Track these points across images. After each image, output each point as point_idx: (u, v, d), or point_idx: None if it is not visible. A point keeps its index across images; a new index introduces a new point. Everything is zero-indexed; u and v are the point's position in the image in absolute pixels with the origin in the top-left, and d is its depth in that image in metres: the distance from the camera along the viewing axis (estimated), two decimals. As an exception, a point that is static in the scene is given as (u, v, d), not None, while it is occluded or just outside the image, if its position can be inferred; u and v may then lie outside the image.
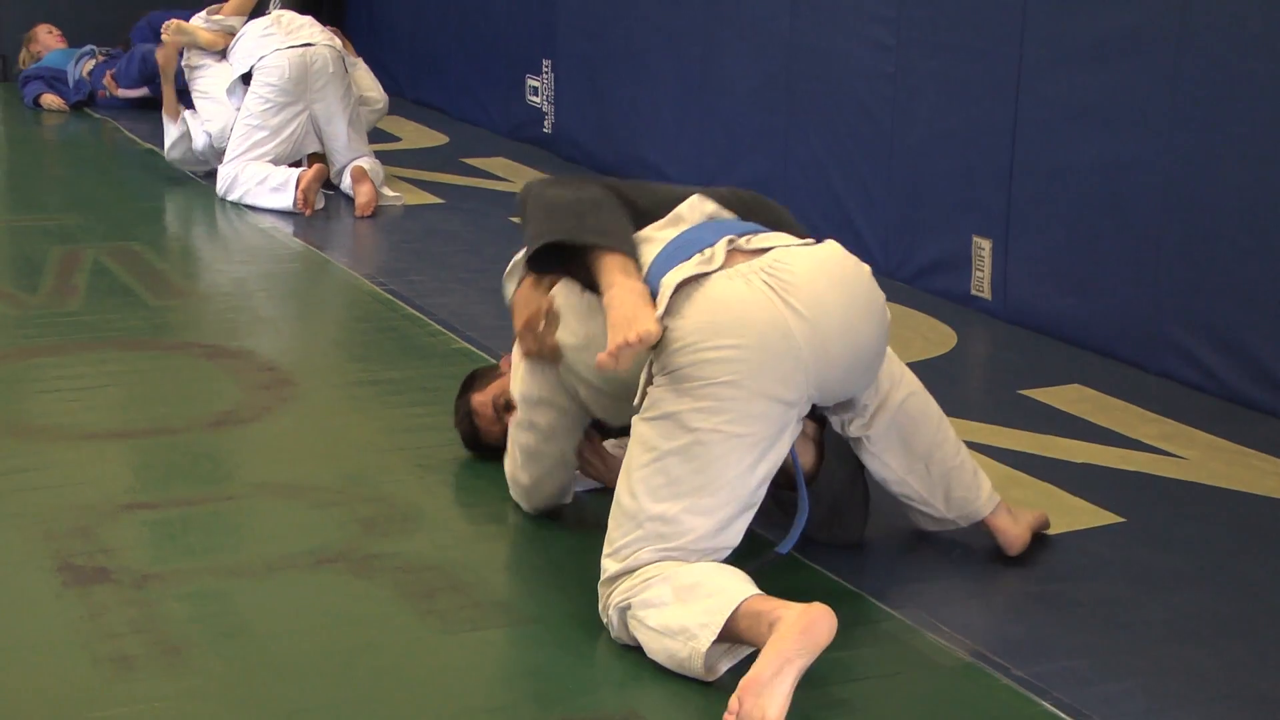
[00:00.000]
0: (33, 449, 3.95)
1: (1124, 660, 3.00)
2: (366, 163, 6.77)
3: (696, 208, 3.23)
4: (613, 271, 3.04)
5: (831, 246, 3.15)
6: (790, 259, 3.05)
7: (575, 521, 3.56)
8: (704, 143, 6.62)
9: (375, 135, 7.45)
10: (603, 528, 3.09)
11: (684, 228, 3.17)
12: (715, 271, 3.01)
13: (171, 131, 7.09)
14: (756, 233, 3.15)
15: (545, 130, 7.91)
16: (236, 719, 2.73)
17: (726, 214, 3.25)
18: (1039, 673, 2.93)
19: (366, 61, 7.44)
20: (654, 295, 3.01)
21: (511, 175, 7.36)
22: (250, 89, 6.67)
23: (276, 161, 6.68)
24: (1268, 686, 2.92)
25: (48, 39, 9.29)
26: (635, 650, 2.95)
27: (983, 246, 5.23)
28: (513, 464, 3.53)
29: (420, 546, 3.40)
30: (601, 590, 3.01)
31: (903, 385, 3.35)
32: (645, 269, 3.08)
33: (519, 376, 3.43)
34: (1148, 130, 4.60)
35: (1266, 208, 4.31)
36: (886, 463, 3.35)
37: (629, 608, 2.93)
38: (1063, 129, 4.89)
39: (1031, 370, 4.72)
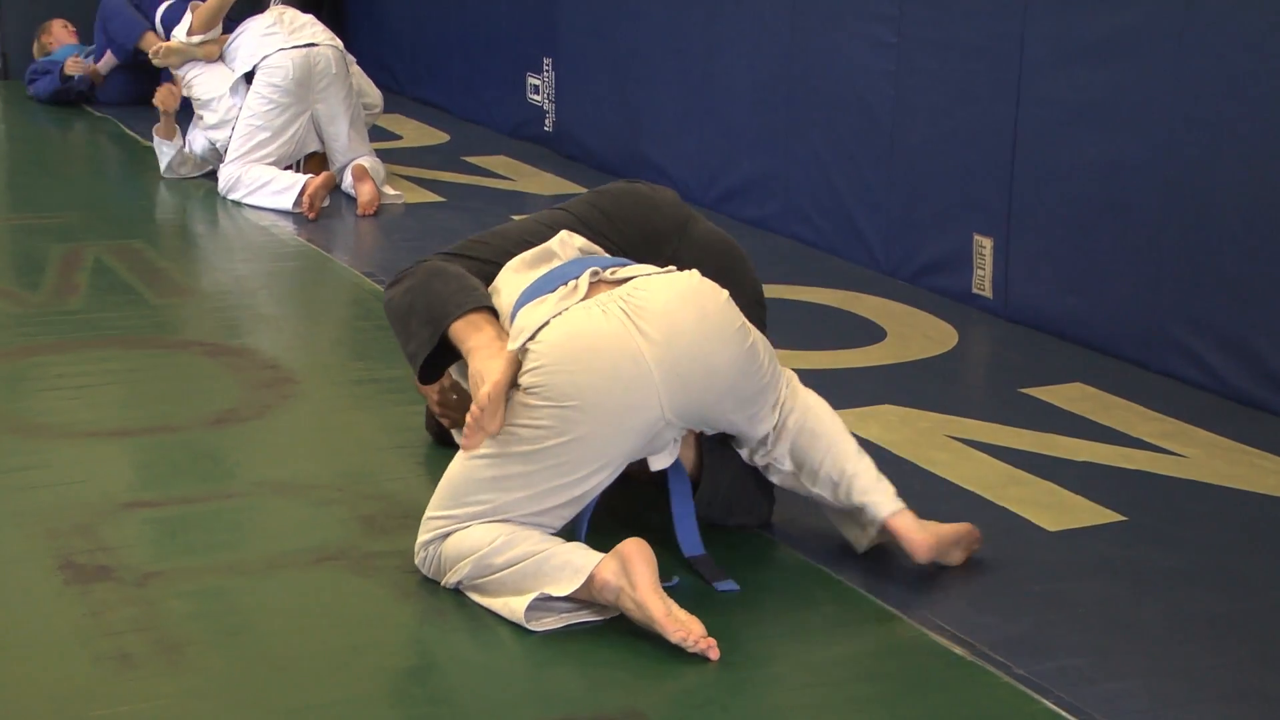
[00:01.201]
0: (34, 447, 3.95)
1: (1125, 659, 3.00)
2: (368, 161, 6.77)
3: (567, 244, 3.38)
4: (465, 339, 3.21)
5: (690, 275, 3.27)
6: (647, 286, 3.20)
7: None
8: (705, 141, 6.62)
9: (376, 133, 7.45)
10: (602, 531, 3.16)
11: (555, 264, 3.32)
12: (576, 304, 3.16)
13: (166, 151, 7.05)
14: (621, 265, 3.30)
15: (546, 129, 7.91)
16: (237, 717, 2.74)
17: (596, 248, 3.41)
18: (1040, 671, 2.93)
19: (367, 59, 7.44)
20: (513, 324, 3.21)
21: (513, 174, 7.36)
22: (252, 88, 6.66)
23: (279, 162, 6.68)
24: (1269, 685, 2.92)
25: (61, 33, 9.23)
26: (638, 649, 2.95)
27: (984, 245, 5.23)
28: None
29: (421, 545, 3.40)
30: (420, 547, 3.21)
31: (797, 410, 3.38)
32: (511, 302, 3.24)
33: None
34: (1149, 129, 4.60)
35: (1268, 206, 4.30)
36: (792, 480, 3.40)
37: (462, 582, 3.15)
38: (1064, 128, 4.89)
39: (1032, 369, 4.72)
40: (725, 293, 3.26)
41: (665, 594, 2.98)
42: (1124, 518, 3.65)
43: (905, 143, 5.54)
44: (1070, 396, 4.45)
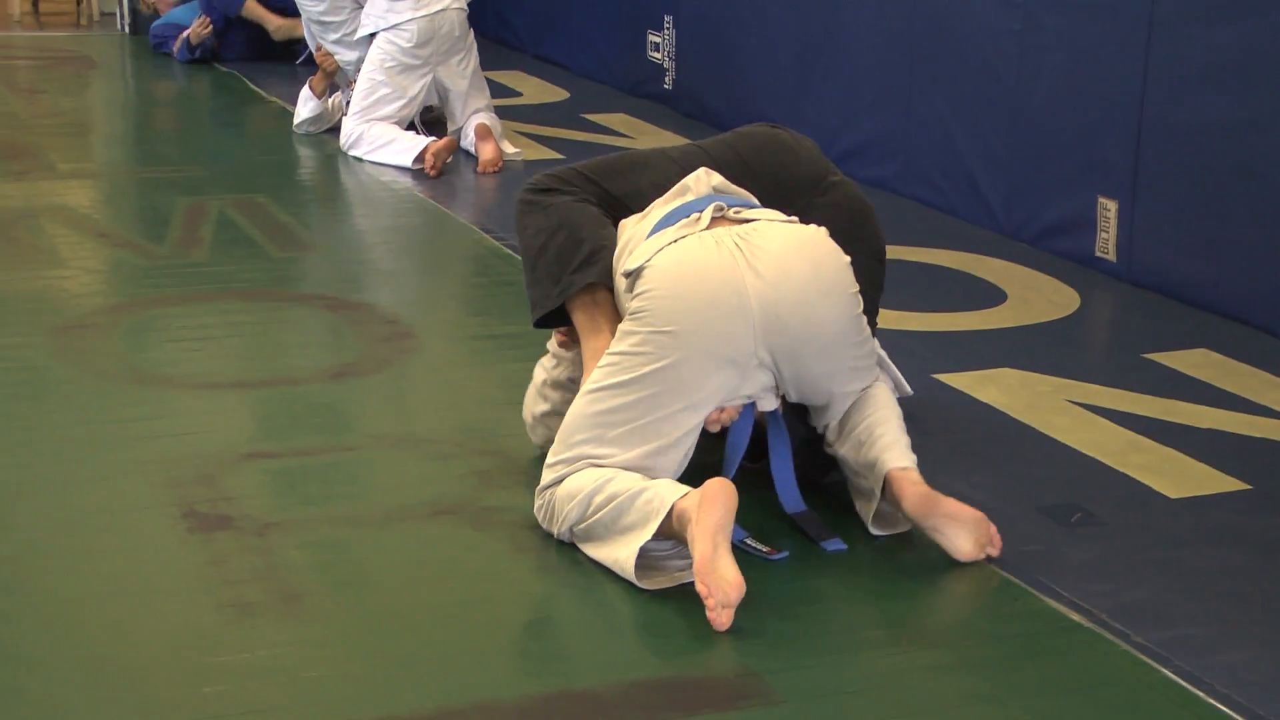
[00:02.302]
0: (158, 397, 4.02)
1: (1246, 629, 2.96)
2: (487, 118, 6.79)
3: (703, 180, 3.38)
4: (579, 322, 3.35)
5: (816, 229, 3.27)
6: (768, 229, 3.21)
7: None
8: (825, 100, 6.57)
9: (496, 90, 7.47)
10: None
11: (689, 198, 3.33)
12: (694, 234, 3.18)
13: (309, 107, 7.14)
14: (749, 206, 3.30)
15: (666, 86, 7.89)
16: (352, 665, 2.77)
17: (731, 187, 3.39)
18: (1159, 640, 2.89)
19: (488, 16, 7.45)
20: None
21: (632, 131, 7.35)
22: (376, 43, 6.70)
23: (400, 121, 6.73)
24: (1396, 659, 2.86)
25: None
26: (752, 610, 2.94)
27: (1108, 207, 5.15)
28: None
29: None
30: (539, 493, 3.24)
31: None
32: (645, 236, 3.25)
33: None
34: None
35: (1404, 170, 4.20)
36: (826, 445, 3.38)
37: (572, 532, 3.17)
38: (1193, 87, 4.79)
39: (1156, 334, 4.64)
40: (846, 258, 3.24)
41: (724, 544, 2.88)
42: (1248, 486, 3.59)
43: (1029, 103, 5.46)
44: (1195, 362, 4.38)
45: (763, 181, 3.50)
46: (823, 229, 3.27)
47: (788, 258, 3.16)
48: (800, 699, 2.69)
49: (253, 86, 8.36)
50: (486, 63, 7.10)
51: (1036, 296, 4.96)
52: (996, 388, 4.14)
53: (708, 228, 3.20)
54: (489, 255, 5.38)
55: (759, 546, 3.18)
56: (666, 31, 7.83)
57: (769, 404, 3.25)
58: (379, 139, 6.66)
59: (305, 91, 7.15)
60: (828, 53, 6.53)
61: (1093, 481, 3.60)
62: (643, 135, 7.27)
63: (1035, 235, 5.48)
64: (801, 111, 6.71)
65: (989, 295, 4.97)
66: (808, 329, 3.16)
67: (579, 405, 3.20)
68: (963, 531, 3.16)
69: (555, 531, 3.20)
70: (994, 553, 3.18)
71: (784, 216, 3.30)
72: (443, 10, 6.68)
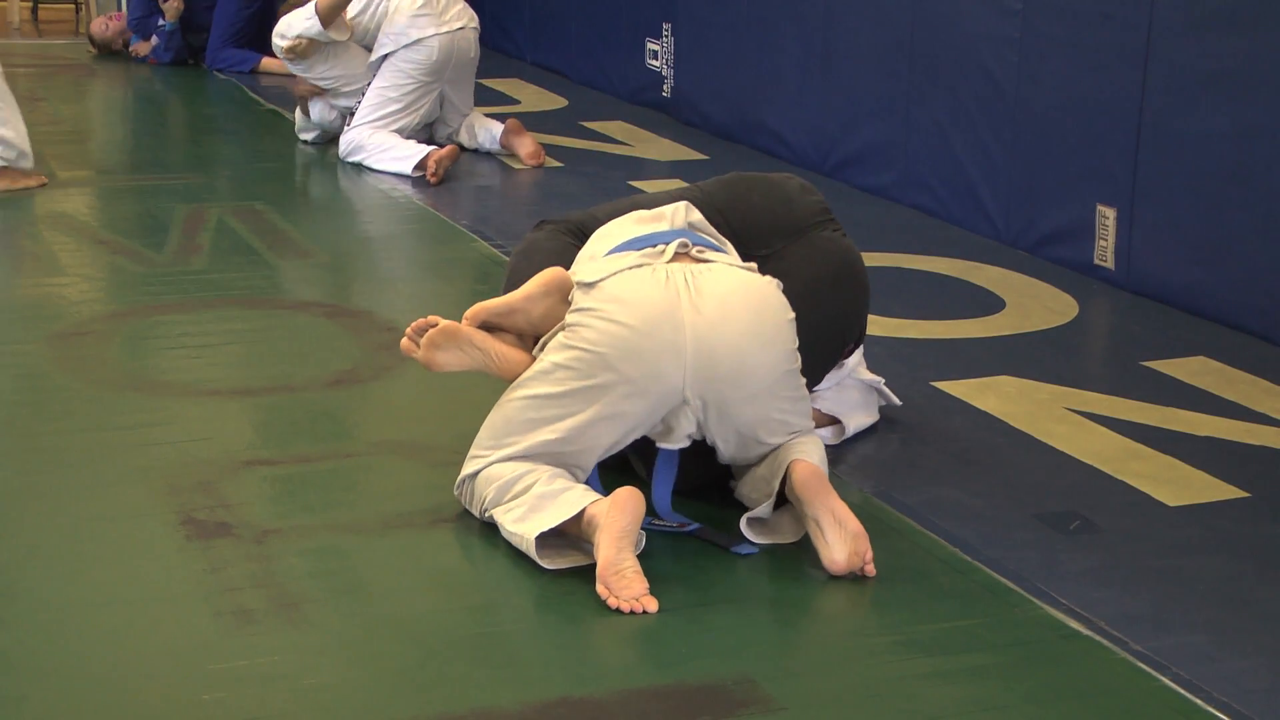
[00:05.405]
0: (157, 404, 4.02)
1: (1246, 637, 2.96)
2: (490, 119, 6.92)
3: (680, 213, 3.44)
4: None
5: (768, 280, 3.30)
6: (719, 273, 3.25)
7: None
8: (824, 107, 6.58)
9: (495, 98, 7.48)
10: (712, 505, 3.21)
11: (662, 227, 3.38)
12: (649, 264, 3.23)
13: (300, 121, 7.19)
14: (714, 248, 3.35)
15: (665, 94, 7.89)
16: (352, 674, 2.77)
17: (709, 228, 3.45)
18: (1158, 647, 2.89)
19: (487, 24, 7.45)
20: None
21: (631, 139, 7.35)
22: (392, 60, 6.69)
23: (401, 131, 6.73)
24: (1395, 667, 2.86)
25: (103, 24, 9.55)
26: (749, 617, 2.96)
27: (1107, 215, 5.16)
28: None
29: (535, 507, 3.41)
30: (461, 485, 3.33)
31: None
32: (606, 251, 3.34)
33: None
34: (1279, 97, 4.51)
35: (1403, 178, 4.21)
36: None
37: (487, 513, 3.25)
38: (1192, 96, 4.80)
39: (1155, 341, 4.65)
40: (792, 314, 3.27)
41: (629, 548, 3.00)
42: (1247, 493, 3.59)
43: (1028, 111, 5.47)
44: (1193, 370, 4.38)
45: (746, 216, 3.52)
46: (775, 281, 3.30)
47: (732, 302, 3.19)
48: (799, 706, 2.69)
49: (251, 94, 8.36)
50: (485, 70, 7.12)
51: (1035, 304, 4.96)
52: (995, 396, 4.14)
53: (668, 261, 3.25)
54: (488, 263, 5.38)
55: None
56: (665, 39, 7.84)
57: (677, 445, 3.27)
58: (379, 146, 6.66)
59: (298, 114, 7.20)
60: (826, 60, 6.53)
61: (1091, 489, 3.60)
62: (641, 143, 7.28)
63: (1034, 243, 5.48)
64: (800, 119, 6.72)
65: (988, 303, 4.98)
66: (738, 376, 3.19)
67: (512, 404, 3.27)
68: (842, 539, 3.11)
69: (476, 511, 3.28)
70: (868, 573, 3.13)
71: (743, 263, 3.35)
72: (462, 29, 6.74)
